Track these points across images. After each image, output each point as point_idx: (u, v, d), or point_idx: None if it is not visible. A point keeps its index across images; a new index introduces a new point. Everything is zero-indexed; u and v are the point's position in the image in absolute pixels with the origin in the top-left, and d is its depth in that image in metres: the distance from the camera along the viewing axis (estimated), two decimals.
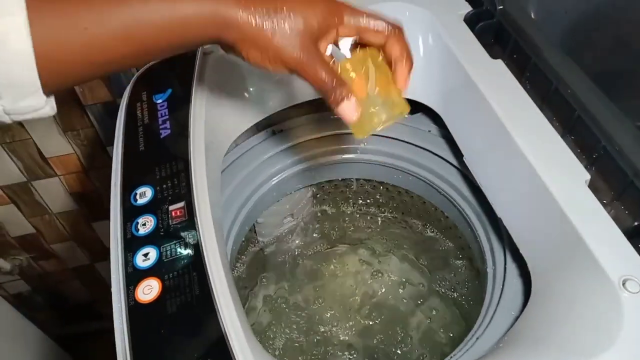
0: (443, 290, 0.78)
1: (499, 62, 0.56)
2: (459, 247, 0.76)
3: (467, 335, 0.53)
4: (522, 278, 0.54)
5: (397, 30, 0.40)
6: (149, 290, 0.42)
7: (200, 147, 0.53)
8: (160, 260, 0.44)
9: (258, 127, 0.72)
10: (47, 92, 0.30)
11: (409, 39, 0.64)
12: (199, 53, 0.63)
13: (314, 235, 0.86)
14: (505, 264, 0.57)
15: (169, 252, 0.45)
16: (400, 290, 0.82)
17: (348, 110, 0.38)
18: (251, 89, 0.64)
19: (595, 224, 0.42)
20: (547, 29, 0.56)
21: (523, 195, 0.49)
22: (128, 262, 0.45)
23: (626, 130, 0.45)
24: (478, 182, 0.57)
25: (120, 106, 0.59)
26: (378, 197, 0.82)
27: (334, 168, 0.76)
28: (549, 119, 0.50)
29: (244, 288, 0.79)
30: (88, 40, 0.30)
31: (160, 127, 0.55)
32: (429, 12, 0.61)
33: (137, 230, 0.47)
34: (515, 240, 0.51)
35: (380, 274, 0.84)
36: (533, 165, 0.46)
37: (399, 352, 0.75)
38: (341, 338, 0.78)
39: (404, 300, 0.81)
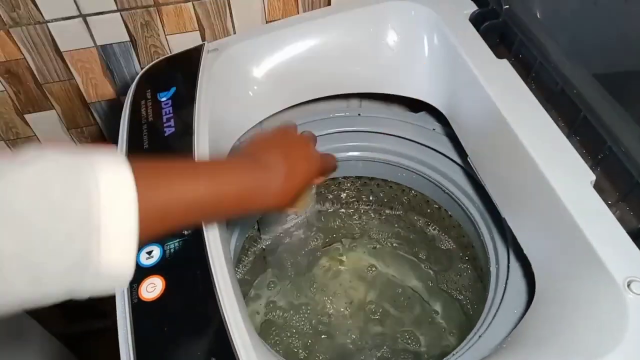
0: (446, 289, 0.78)
1: (505, 62, 0.55)
2: (462, 246, 0.75)
3: (470, 333, 0.53)
4: (525, 278, 0.54)
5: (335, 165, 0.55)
6: (152, 288, 0.42)
7: (205, 145, 0.53)
8: (164, 258, 0.44)
9: (262, 126, 0.72)
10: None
11: (415, 38, 0.64)
12: (203, 51, 0.63)
13: (317, 232, 0.86)
14: (508, 263, 0.57)
15: (172, 250, 0.45)
16: (403, 289, 0.82)
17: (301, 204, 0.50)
18: (255, 88, 0.64)
19: (600, 225, 0.42)
20: (553, 28, 0.55)
21: (528, 195, 0.49)
22: None
23: (632, 131, 0.45)
24: (482, 181, 0.57)
25: (125, 104, 0.59)
26: (381, 195, 0.82)
27: (338, 166, 0.76)
28: (554, 119, 0.49)
29: (247, 285, 0.79)
30: (168, 209, 0.33)
31: (165, 125, 0.55)
32: (434, 12, 0.61)
33: None
34: (519, 240, 0.51)
35: (383, 272, 0.83)
36: (538, 165, 0.46)
37: (401, 350, 0.75)
38: (344, 336, 0.78)
39: (407, 298, 0.80)
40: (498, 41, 0.61)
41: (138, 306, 0.42)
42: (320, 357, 0.75)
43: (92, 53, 0.75)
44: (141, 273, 0.44)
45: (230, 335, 0.39)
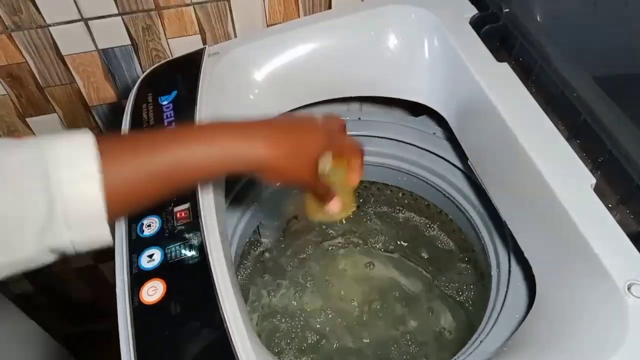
0: (447, 292, 0.78)
1: (505, 66, 0.55)
2: (463, 250, 0.75)
3: (471, 338, 0.53)
4: (526, 281, 0.54)
5: (362, 150, 0.51)
6: (153, 291, 0.42)
7: None
8: (165, 262, 0.44)
9: None
10: (109, 221, 0.34)
11: (415, 42, 0.64)
12: (204, 55, 0.63)
13: (318, 236, 0.86)
14: (509, 266, 0.57)
15: (173, 254, 0.45)
16: (404, 292, 0.82)
17: (333, 206, 0.50)
18: (256, 91, 0.64)
19: (601, 228, 0.42)
20: (553, 32, 0.56)
21: (528, 199, 0.49)
22: (133, 263, 0.45)
23: (632, 134, 0.45)
24: (483, 185, 0.57)
25: (126, 107, 0.59)
26: (382, 198, 0.82)
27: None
28: (554, 123, 0.50)
29: (246, 289, 0.79)
30: (144, 177, 0.35)
31: (166, 129, 0.55)
32: (434, 15, 0.61)
33: (142, 231, 0.47)
34: (519, 243, 0.51)
35: (383, 275, 0.83)
36: (538, 168, 0.46)
37: (402, 354, 0.75)
38: (343, 339, 0.78)
39: (408, 302, 0.80)
40: (498, 45, 0.61)
41: (139, 309, 0.42)
42: None
43: (94, 57, 0.75)
44: (142, 276, 0.44)
45: (231, 340, 0.39)
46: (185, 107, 0.57)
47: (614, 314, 0.38)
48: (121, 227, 0.48)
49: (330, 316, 0.80)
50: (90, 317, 1.25)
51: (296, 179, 0.44)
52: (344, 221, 0.71)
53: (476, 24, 0.61)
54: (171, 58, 0.67)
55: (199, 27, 0.75)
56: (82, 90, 0.79)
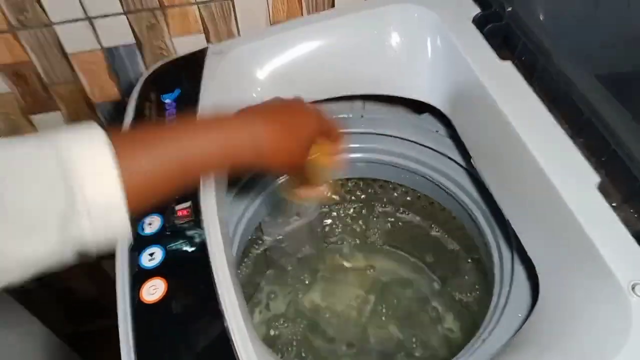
0: (450, 291, 0.77)
1: (508, 64, 0.55)
2: (466, 248, 0.75)
3: (474, 337, 0.52)
4: (529, 280, 0.54)
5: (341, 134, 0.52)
6: (154, 290, 0.42)
7: None
8: (166, 260, 0.44)
9: None
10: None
11: (418, 40, 0.64)
12: (207, 53, 0.63)
13: (320, 234, 0.86)
14: (512, 265, 0.57)
15: (174, 252, 0.45)
16: (407, 291, 0.81)
17: (312, 191, 0.53)
18: (259, 89, 0.64)
19: (605, 227, 0.41)
20: (557, 31, 0.55)
21: (531, 197, 0.49)
22: (134, 261, 0.45)
23: (635, 132, 0.45)
24: (486, 183, 0.57)
25: (128, 106, 0.59)
26: (385, 196, 0.82)
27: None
28: (558, 122, 0.49)
29: (248, 287, 0.79)
30: (158, 170, 0.36)
31: None
32: (437, 14, 0.61)
33: (143, 229, 0.47)
34: (522, 242, 0.50)
35: (386, 274, 0.83)
36: (542, 167, 0.45)
37: (404, 353, 0.75)
38: (346, 339, 0.78)
39: (411, 300, 0.80)
40: (501, 43, 0.60)
41: (139, 308, 0.42)
42: None
43: (98, 55, 0.75)
44: (143, 275, 0.44)
45: (232, 339, 0.39)
46: (188, 105, 0.57)
47: (617, 314, 0.38)
48: None
49: (332, 315, 0.80)
50: (93, 314, 1.25)
51: (291, 163, 0.44)
52: (335, 197, 0.75)
53: (479, 22, 0.61)
54: (174, 57, 0.67)
55: (202, 25, 0.75)
56: (86, 88, 0.79)
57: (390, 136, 0.72)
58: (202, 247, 0.45)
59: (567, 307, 0.42)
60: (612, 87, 0.48)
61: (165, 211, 0.48)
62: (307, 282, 0.83)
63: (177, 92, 0.59)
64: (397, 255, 0.85)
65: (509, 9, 0.59)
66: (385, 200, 0.83)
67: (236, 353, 0.39)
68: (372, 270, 0.84)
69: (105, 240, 0.33)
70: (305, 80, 0.66)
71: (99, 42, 0.73)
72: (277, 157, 0.42)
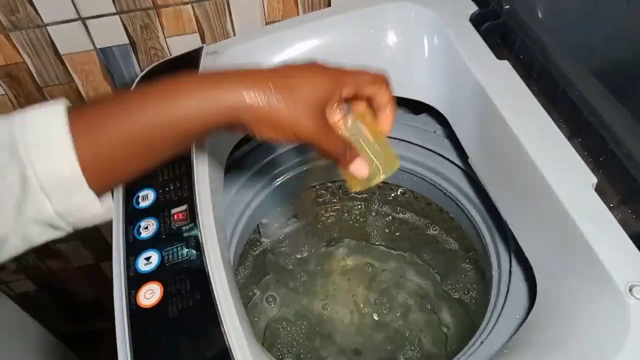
0: (448, 291, 0.77)
1: (505, 63, 0.55)
2: (464, 249, 0.75)
3: (472, 338, 0.52)
4: (527, 282, 0.54)
5: (387, 81, 0.42)
6: (150, 294, 0.42)
7: (203, 149, 0.52)
8: (162, 264, 0.44)
9: None
10: (96, 191, 0.32)
11: (415, 39, 0.63)
12: (202, 54, 0.63)
13: (318, 235, 0.86)
14: (510, 266, 0.57)
15: (170, 256, 0.44)
16: (405, 291, 0.81)
17: (359, 169, 0.41)
18: None
19: (602, 229, 0.41)
20: (555, 29, 0.55)
21: (528, 198, 0.49)
22: (130, 265, 0.44)
23: (634, 132, 0.44)
24: (483, 184, 0.56)
25: None
26: (382, 197, 0.82)
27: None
28: (555, 121, 0.49)
29: (247, 290, 0.79)
30: (119, 140, 0.33)
31: None
32: (434, 13, 0.61)
33: (140, 233, 0.47)
34: (520, 243, 0.50)
35: (384, 274, 0.83)
36: (539, 167, 0.45)
37: (402, 354, 0.75)
38: (345, 340, 0.78)
39: (409, 301, 0.80)
40: (499, 42, 0.60)
41: (136, 313, 0.41)
42: None
43: (92, 56, 0.74)
44: (139, 279, 0.43)
45: (228, 344, 0.39)
46: None
47: (615, 316, 0.38)
48: (118, 229, 0.47)
49: (331, 315, 0.80)
50: (92, 315, 1.25)
51: (294, 130, 0.36)
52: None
53: (476, 21, 0.60)
54: (169, 57, 0.67)
55: (197, 25, 0.74)
56: (81, 89, 0.79)
57: (388, 137, 0.72)
58: (199, 251, 0.45)
59: (565, 309, 0.42)
60: (611, 86, 0.47)
61: (161, 214, 0.48)
62: (306, 282, 0.82)
63: None
64: (395, 255, 0.85)
65: (507, 6, 0.58)
66: (383, 200, 0.82)
67: (233, 358, 0.39)
68: (369, 270, 0.84)
69: (75, 220, 0.32)
70: None
71: (93, 43, 0.73)
72: (268, 121, 0.35)
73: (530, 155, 0.46)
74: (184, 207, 0.48)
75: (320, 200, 0.83)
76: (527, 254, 0.49)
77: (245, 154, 0.70)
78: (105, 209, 0.34)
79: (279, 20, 0.75)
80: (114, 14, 0.70)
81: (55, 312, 1.25)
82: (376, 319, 0.79)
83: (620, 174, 0.45)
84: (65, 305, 1.25)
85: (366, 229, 0.86)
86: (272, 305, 0.80)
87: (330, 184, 0.80)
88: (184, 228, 0.46)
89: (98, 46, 0.73)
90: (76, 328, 1.27)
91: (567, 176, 0.45)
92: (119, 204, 0.49)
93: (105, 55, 0.75)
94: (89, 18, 0.70)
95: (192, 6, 0.72)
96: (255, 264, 0.78)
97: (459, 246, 0.76)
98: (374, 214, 0.84)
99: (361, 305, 0.81)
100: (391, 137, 0.71)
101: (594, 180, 0.44)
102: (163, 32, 0.74)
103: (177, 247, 0.45)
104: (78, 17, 0.70)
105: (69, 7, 0.68)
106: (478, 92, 0.53)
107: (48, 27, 0.70)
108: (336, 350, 0.77)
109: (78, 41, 0.72)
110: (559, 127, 0.49)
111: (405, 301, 0.80)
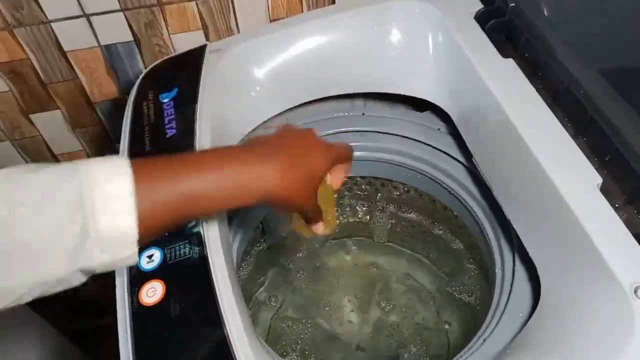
0: (452, 290, 0.77)
1: (510, 61, 0.55)
2: (468, 247, 0.75)
3: (475, 336, 0.52)
4: (531, 282, 0.54)
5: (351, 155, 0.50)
6: (152, 292, 0.42)
7: (206, 147, 0.52)
8: (165, 262, 0.44)
9: (265, 126, 0.72)
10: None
11: (419, 37, 0.63)
12: (206, 51, 0.63)
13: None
14: (514, 266, 0.56)
15: (173, 254, 0.44)
16: (408, 289, 0.81)
17: (319, 227, 0.49)
18: (258, 88, 0.64)
19: (607, 229, 0.41)
20: (560, 27, 0.54)
21: (533, 197, 0.48)
22: None
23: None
24: (487, 182, 0.56)
25: (127, 105, 0.59)
26: (386, 194, 0.82)
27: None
28: (560, 120, 0.49)
29: (250, 287, 0.79)
30: (174, 200, 0.35)
31: (166, 126, 0.55)
32: (439, 10, 0.61)
33: None
34: (524, 242, 0.50)
35: (388, 272, 0.83)
36: (543, 166, 0.45)
37: (405, 352, 0.75)
38: (348, 337, 0.78)
39: (412, 298, 0.80)
40: (504, 40, 0.60)
41: (138, 311, 0.42)
42: None
43: (96, 53, 0.74)
44: (142, 277, 0.43)
45: (230, 342, 0.39)
46: (186, 104, 0.56)
47: (619, 316, 0.37)
48: None
49: (335, 313, 0.79)
50: (97, 311, 1.26)
51: (301, 206, 0.42)
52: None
53: (481, 18, 0.60)
54: (173, 55, 0.66)
55: (201, 22, 0.74)
56: (85, 86, 0.79)
57: (392, 134, 0.72)
58: (201, 249, 0.45)
59: (569, 310, 0.41)
60: (616, 85, 0.47)
61: None
62: (309, 280, 0.82)
63: (175, 90, 0.58)
64: (398, 253, 0.84)
65: (512, 4, 0.58)
66: (386, 198, 0.82)
67: (235, 356, 0.38)
68: (373, 268, 0.84)
69: (110, 268, 0.33)
70: (305, 79, 0.65)
71: (97, 40, 0.73)
72: (285, 201, 0.40)
73: (535, 154, 0.46)
74: None
75: None
76: (531, 254, 0.49)
77: None
78: (136, 257, 0.35)
79: (284, 18, 0.75)
80: (119, 10, 0.70)
81: (60, 308, 1.26)
82: (379, 316, 0.79)
83: (626, 174, 0.45)
84: (70, 301, 1.26)
85: (370, 225, 0.86)
86: (275, 302, 0.80)
87: None
88: (186, 226, 0.46)
89: (102, 43, 0.73)
90: (81, 324, 1.27)
91: (572, 176, 0.44)
92: None
93: (110, 51, 0.75)
94: (93, 15, 0.70)
95: (197, 3, 0.72)
96: (257, 262, 0.78)
97: (463, 244, 0.76)
98: (377, 211, 0.84)
99: (364, 303, 0.81)
100: (396, 135, 0.71)
101: (599, 180, 0.44)
102: (167, 29, 0.74)
103: (179, 245, 0.45)
104: (82, 13, 0.70)
105: (73, 4, 0.68)
106: (482, 90, 0.53)
107: (52, 24, 0.70)
108: (340, 347, 0.77)
109: (82, 38, 0.72)
110: (564, 125, 0.48)
111: (408, 298, 0.80)
